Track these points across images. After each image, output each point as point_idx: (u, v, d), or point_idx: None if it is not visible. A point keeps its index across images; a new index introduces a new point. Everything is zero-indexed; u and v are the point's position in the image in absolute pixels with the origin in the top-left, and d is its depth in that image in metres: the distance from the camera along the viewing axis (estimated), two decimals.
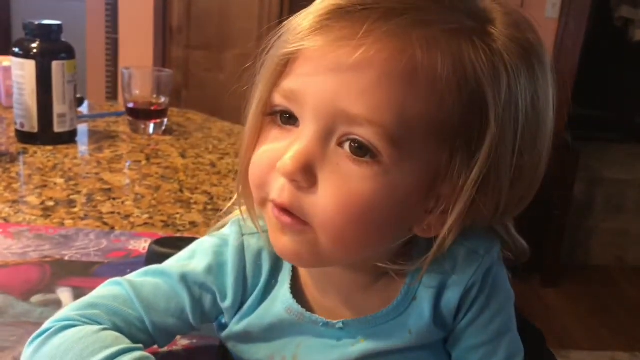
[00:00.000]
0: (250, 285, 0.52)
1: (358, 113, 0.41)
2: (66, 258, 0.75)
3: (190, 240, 0.58)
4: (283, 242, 0.46)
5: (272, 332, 0.52)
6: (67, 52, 1.16)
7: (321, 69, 0.42)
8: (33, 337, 0.49)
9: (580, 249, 3.13)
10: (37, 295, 0.66)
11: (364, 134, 0.41)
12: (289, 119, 0.45)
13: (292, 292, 0.51)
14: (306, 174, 0.42)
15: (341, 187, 0.42)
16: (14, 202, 0.91)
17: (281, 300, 0.51)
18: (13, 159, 1.09)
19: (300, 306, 0.51)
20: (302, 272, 0.52)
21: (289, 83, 0.44)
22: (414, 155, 0.42)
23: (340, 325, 0.50)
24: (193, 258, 0.52)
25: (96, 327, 0.48)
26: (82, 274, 0.72)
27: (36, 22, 1.13)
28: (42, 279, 0.70)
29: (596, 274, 3.05)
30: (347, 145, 0.42)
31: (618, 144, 3.70)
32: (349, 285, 0.51)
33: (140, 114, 1.30)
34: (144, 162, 1.13)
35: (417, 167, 0.42)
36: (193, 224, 0.88)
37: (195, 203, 0.96)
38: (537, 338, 0.62)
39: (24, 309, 0.64)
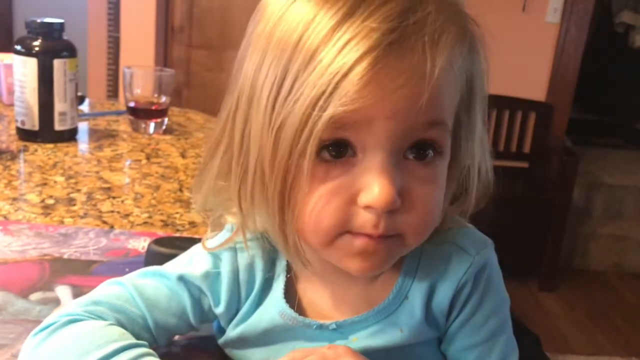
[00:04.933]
0: (244, 293, 0.52)
1: (433, 120, 0.43)
2: (65, 256, 0.75)
3: (190, 240, 0.58)
4: (363, 266, 0.45)
5: (266, 336, 0.52)
6: (69, 51, 1.16)
7: (392, 102, 0.41)
8: (36, 331, 0.49)
9: (579, 254, 3.13)
10: (36, 293, 0.67)
11: (437, 136, 0.44)
12: (339, 151, 0.43)
13: (285, 297, 0.51)
14: (398, 200, 0.42)
15: (424, 193, 0.44)
16: (14, 199, 0.91)
17: (275, 305, 0.51)
18: (13, 157, 1.09)
19: (293, 310, 0.51)
20: (299, 276, 0.53)
21: (353, 116, 0.40)
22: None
23: (334, 326, 0.50)
24: (191, 264, 0.53)
25: (103, 322, 0.49)
26: (81, 273, 0.72)
27: (38, 20, 1.13)
28: (41, 277, 0.70)
29: (594, 279, 3.05)
30: (410, 154, 0.44)
31: (618, 150, 3.71)
32: (342, 285, 0.51)
33: (141, 113, 1.31)
34: (144, 161, 1.14)
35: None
36: (192, 223, 0.88)
37: (195, 203, 0.96)
38: (534, 342, 0.62)
39: (23, 307, 0.64)
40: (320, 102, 0.40)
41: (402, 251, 0.47)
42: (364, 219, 0.42)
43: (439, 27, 0.41)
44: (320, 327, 0.51)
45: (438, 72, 0.41)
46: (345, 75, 0.39)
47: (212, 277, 0.52)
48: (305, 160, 0.41)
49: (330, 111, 0.40)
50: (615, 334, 2.59)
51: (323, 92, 0.40)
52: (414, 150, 0.43)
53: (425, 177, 0.44)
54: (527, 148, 3.01)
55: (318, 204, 0.42)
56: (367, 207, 0.42)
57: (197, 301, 0.52)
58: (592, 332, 2.59)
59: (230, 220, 0.52)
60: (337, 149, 0.42)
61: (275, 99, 0.42)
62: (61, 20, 1.16)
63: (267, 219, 0.46)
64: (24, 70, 1.13)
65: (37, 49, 1.13)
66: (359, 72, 0.39)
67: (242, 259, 0.52)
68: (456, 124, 0.46)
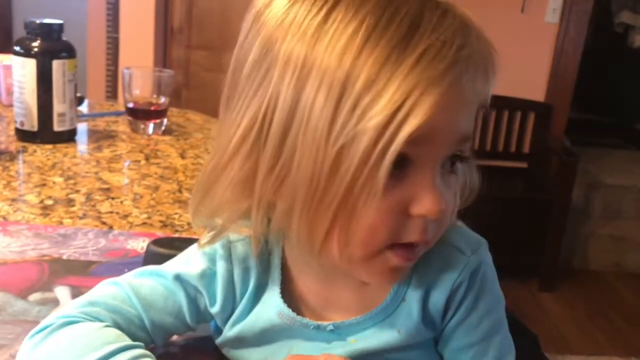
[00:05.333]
0: (239, 292, 0.52)
1: (467, 134, 0.45)
2: (64, 257, 0.75)
3: (188, 241, 0.58)
4: (391, 279, 0.48)
5: (264, 336, 0.52)
6: (68, 51, 1.16)
7: (457, 117, 0.43)
8: (33, 332, 0.49)
9: (578, 254, 3.13)
10: (35, 294, 0.67)
11: (467, 148, 0.46)
12: (401, 164, 0.43)
13: (282, 296, 0.51)
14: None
15: (451, 200, 0.46)
16: (13, 200, 0.91)
17: (272, 304, 0.52)
18: (12, 158, 1.09)
19: (291, 310, 0.51)
20: (295, 275, 0.52)
21: (419, 128, 0.40)
22: None
23: (331, 327, 0.51)
24: (188, 263, 0.53)
25: (98, 324, 0.49)
26: (80, 273, 0.72)
27: (37, 21, 1.13)
28: (40, 278, 0.70)
29: (593, 279, 3.06)
30: (448, 162, 0.46)
31: (617, 150, 3.71)
32: (339, 287, 0.51)
33: (140, 113, 1.31)
34: (143, 162, 1.14)
35: None
36: (191, 224, 0.88)
37: None
38: (532, 342, 0.62)
39: (22, 307, 0.64)
40: (399, 117, 0.40)
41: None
42: (413, 227, 0.44)
43: (489, 46, 0.44)
44: (318, 327, 0.51)
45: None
46: (429, 87, 0.40)
47: (208, 276, 0.52)
48: (379, 175, 0.41)
49: (413, 124, 0.40)
50: (614, 334, 2.60)
51: (400, 107, 0.40)
52: (449, 162, 0.45)
53: (452, 185, 0.46)
54: (526, 148, 3.01)
55: (380, 217, 0.43)
56: (420, 216, 0.43)
57: (193, 300, 0.52)
58: (591, 332, 2.59)
59: (241, 228, 0.51)
60: (400, 163, 0.42)
61: (334, 118, 0.41)
62: (60, 21, 1.16)
63: (303, 230, 0.45)
64: (23, 71, 1.13)
65: (36, 49, 1.13)
66: (445, 85, 0.40)
67: (237, 258, 0.52)
68: None
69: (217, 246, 0.52)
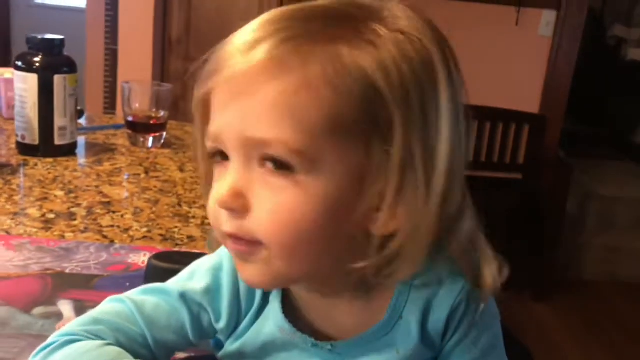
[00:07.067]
0: (245, 308, 0.53)
1: (262, 136, 0.43)
2: (67, 271, 0.76)
3: (189, 255, 0.60)
4: (246, 270, 0.48)
5: (265, 351, 0.53)
6: (69, 66, 1.18)
7: (227, 106, 0.45)
8: (37, 351, 0.50)
9: (573, 265, 3.15)
10: (39, 308, 0.68)
11: (275, 151, 0.43)
12: (224, 156, 0.47)
13: (283, 312, 0.52)
14: (237, 201, 0.44)
15: (271, 200, 0.44)
16: (15, 214, 0.92)
17: (273, 319, 0.52)
18: (14, 171, 1.11)
19: (292, 325, 0.52)
20: (295, 290, 0.53)
21: (211, 126, 0.46)
22: (327, 160, 0.43)
23: (329, 347, 0.51)
24: (192, 279, 0.53)
25: (100, 342, 0.50)
26: (83, 287, 0.73)
27: (39, 37, 1.15)
28: (44, 291, 0.71)
29: (588, 289, 3.07)
30: (268, 163, 0.44)
31: (610, 161, 3.73)
32: (335, 305, 0.52)
33: (139, 127, 1.32)
34: (142, 176, 1.15)
35: (336, 170, 0.44)
36: (191, 238, 0.90)
37: (194, 217, 0.97)
38: (524, 355, 0.63)
39: (26, 321, 0.65)
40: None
41: (271, 269, 0.47)
42: (224, 217, 0.48)
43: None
44: (316, 346, 0.51)
45: None
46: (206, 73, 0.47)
47: (213, 292, 0.53)
48: (201, 160, 0.52)
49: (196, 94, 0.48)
50: (609, 345, 2.61)
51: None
52: (272, 162, 0.46)
53: (275, 188, 0.46)
54: (521, 159, 3.03)
55: (210, 201, 0.49)
56: (218, 206, 0.47)
57: (196, 318, 0.53)
58: (586, 343, 2.60)
59: None
60: (224, 156, 0.47)
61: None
62: (61, 37, 1.18)
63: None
64: (24, 85, 1.15)
65: (37, 64, 1.14)
66: (210, 67, 0.47)
67: None
68: (363, 145, 0.48)
69: (223, 261, 0.53)
